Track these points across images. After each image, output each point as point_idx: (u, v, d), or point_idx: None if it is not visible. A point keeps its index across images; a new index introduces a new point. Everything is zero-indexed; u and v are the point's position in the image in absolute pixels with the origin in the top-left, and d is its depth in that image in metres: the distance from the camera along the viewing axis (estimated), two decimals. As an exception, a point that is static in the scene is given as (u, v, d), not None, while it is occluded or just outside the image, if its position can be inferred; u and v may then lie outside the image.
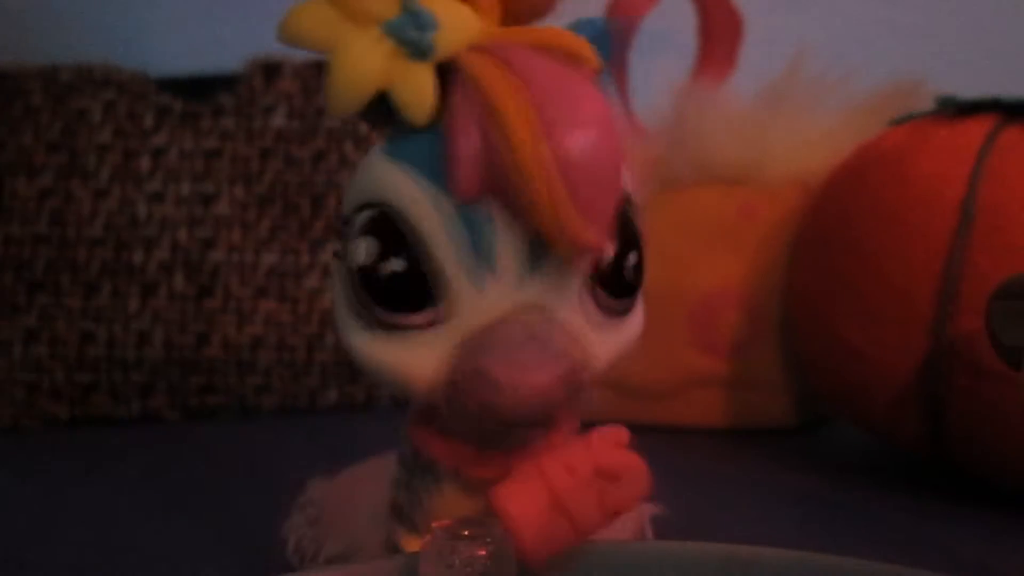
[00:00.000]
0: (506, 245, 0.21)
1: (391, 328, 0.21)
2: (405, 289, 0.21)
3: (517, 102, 0.20)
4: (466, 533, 0.20)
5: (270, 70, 0.54)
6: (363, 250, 0.21)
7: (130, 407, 0.50)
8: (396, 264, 0.21)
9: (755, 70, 0.52)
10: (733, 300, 0.48)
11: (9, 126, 0.52)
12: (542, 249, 0.21)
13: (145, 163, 0.52)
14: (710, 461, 0.44)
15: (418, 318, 0.21)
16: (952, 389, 0.37)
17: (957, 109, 0.40)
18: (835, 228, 0.42)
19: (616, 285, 0.23)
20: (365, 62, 0.20)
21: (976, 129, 0.39)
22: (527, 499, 0.22)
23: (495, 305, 0.21)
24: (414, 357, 0.21)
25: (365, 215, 0.21)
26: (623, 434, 0.23)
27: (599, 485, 0.22)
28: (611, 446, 0.23)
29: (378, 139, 0.23)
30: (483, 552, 0.20)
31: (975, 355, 0.35)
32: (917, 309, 0.37)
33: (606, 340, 0.23)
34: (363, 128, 0.54)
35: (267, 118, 0.53)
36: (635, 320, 0.24)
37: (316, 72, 0.54)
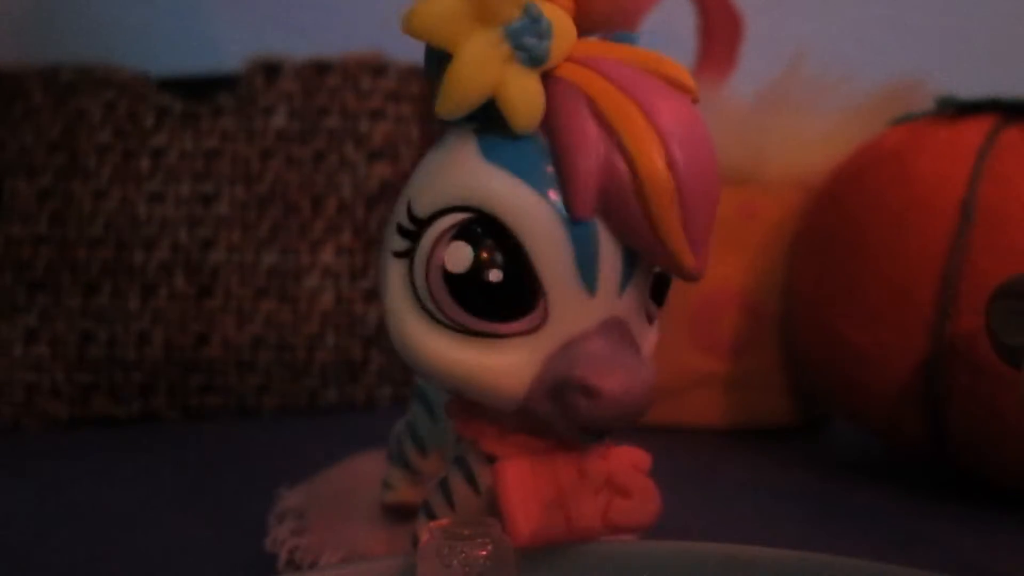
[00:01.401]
0: (608, 260, 0.21)
1: (478, 334, 0.21)
2: (504, 297, 0.20)
3: (637, 124, 0.20)
4: (465, 533, 0.20)
5: (270, 70, 0.54)
6: (459, 256, 0.20)
7: (130, 407, 0.50)
8: (498, 272, 0.20)
9: (755, 70, 0.52)
10: (733, 300, 0.48)
11: (9, 126, 0.52)
12: (633, 265, 0.21)
13: (145, 163, 0.52)
14: (710, 461, 0.44)
15: (512, 326, 0.21)
16: (952, 389, 0.37)
17: (957, 109, 0.40)
18: (835, 228, 0.42)
19: (659, 295, 0.23)
20: (484, 65, 0.20)
21: (976, 129, 0.39)
22: (530, 484, 0.22)
23: (589, 317, 0.21)
24: (502, 364, 0.21)
25: (456, 217, 0.21)
26: (644, 458, 0.24)
27: (607, 496, 0.23)
28: (629, 465, 0.23)
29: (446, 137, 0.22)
30: (482, 552, 0.20)
31: (975, 355, 0.35)
32: (917, 309, 0.37)
33: (647, 347, 0.23)
34: (363, 128, 0.54)
35: (267, 118, 0.53)
36: (656, 330, 0.24)
37: (316, 72, 0.54)
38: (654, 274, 0.22)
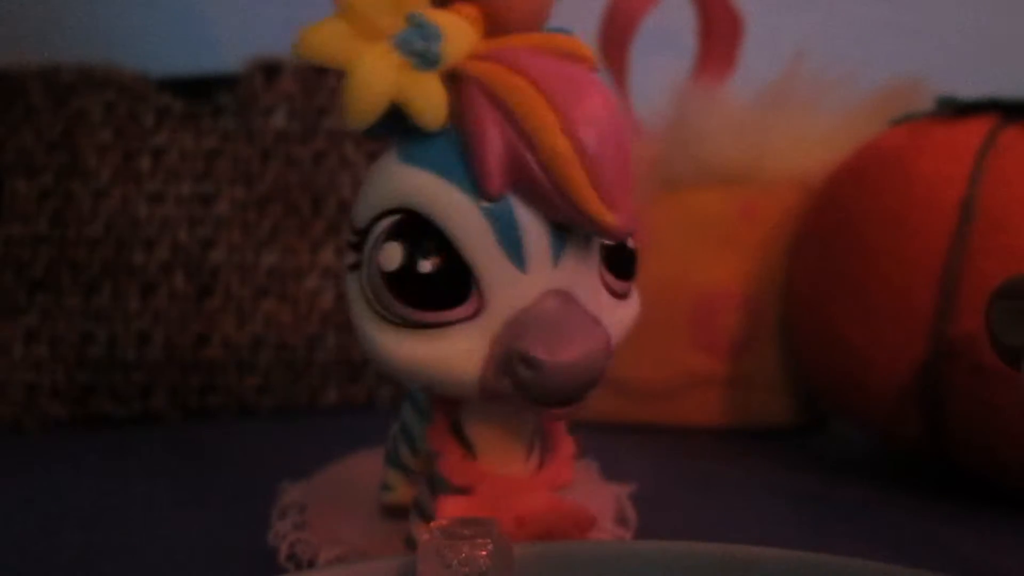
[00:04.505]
0: (532, 235, 0.22)
1: (425, 327, 0.22)
2: (439, 287, 0.22)
3: (532, 101, 0.21)
4: (466, 533, 0.20)
5: (270, 70, 0.54)
6: (392, 255, 0.22)
7: (130, 407, 0.50)
8: (429, 264, 0.22)
9: (755, 70, 0.52)
10: (733, 300, 0.48)
11: (9, 126, 0.52)
12: (564, 236, 0.22)
13: (145, 163, 0.52)
14: (710, 461, 0.44)
15: (454, 313, 0.22)
16: (952, 389, 0.37)
17: (957, 109, 0.40)
18: (835, 228, 0.42)
19: (622, 268, 0.24)
20: (378, 75, 0.21)
21: (976, 129, 0.39)
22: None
23: (527, 292, 0.22)
24: (452, 351, 0.22)
25: (387, 221, 0.22)
26: (589, 519, 0.25)
27: (525, 535, 0.24)
28: (572, 528, 0.24)
29: (388, 148, 0.23)
30: (483, 552, 0.20)
31: (975, 355, 0.35)
32: (917, 309, 0.37)
33: (616, 322, 0.24)
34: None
35: (267, 118, 0.53)
36: (633, 305, 0.25)
37: (316, 72, 0.54)
38: (607, 246, 0.23)
